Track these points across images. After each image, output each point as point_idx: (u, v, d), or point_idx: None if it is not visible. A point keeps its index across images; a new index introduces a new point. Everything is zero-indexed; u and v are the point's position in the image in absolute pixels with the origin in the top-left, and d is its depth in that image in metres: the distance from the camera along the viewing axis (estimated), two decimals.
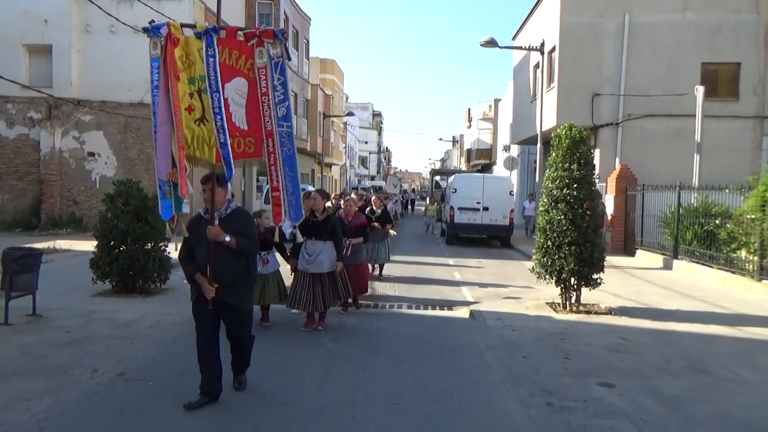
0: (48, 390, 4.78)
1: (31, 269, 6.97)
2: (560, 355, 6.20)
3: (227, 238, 4.39)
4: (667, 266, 13.39)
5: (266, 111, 4.56)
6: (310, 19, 32.73)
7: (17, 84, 15.74)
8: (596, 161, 17.67)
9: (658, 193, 14.62)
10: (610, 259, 14.17)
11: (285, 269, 7.50)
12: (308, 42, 33.00)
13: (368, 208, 11.19)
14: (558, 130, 8.81)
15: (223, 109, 4.42)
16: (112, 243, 8.52)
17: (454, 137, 70.63)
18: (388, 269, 11.64)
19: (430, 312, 8.51)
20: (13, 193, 18.75)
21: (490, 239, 20.03)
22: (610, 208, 16.74)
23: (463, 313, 8.47)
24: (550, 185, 8.52)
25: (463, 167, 52.29)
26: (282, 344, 6.45)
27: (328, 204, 8.99)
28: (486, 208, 18.66)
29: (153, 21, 4.56)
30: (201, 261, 4.48)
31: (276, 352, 6.06)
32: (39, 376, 5.08)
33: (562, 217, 8.27)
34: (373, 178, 70.79)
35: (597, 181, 8.97)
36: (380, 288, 10.20)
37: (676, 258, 13.26)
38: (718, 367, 5.88)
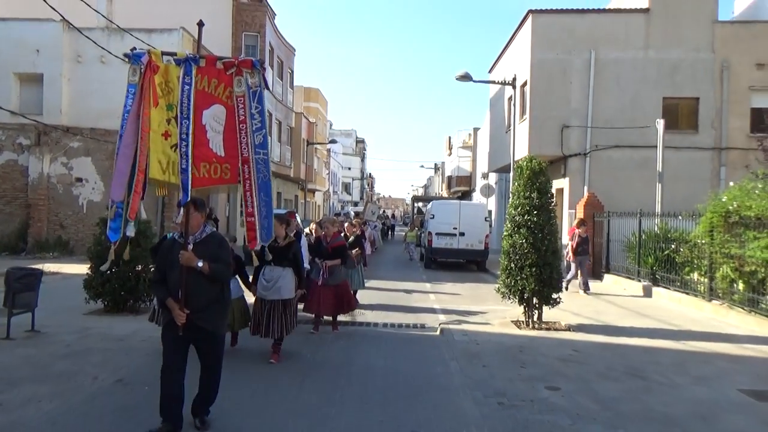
0: (55, 393, 5.35)
1: (32, 288, 7.53)
2: (516, 364, 6.90)
3: (200, 263, 4.34)
4: (630, 289, 14.21)
5: (243, 138, 4.67)
6: (294, 50, 33.74)
7: (7, 111, 16.37)
8: (566, 189, 18.87)
9: (622, 220, 15.51)
10: (575, 283, 15.08)
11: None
12: (292, 72, 33.96)
13: (341, 234, 10.95)
14: (519, 161, 9.62)
15: (190, 135, 4.45)
16: (103, 263, 9.08)
17: (435, 164, 71.94)
18: (366, 294, 11.94)
19: (403, 331, 9.14)
20: (1, 216, 19.14)
21: (467, 263, 20.76)
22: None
23: (433, 331, 9.12)
24: (513, 212, 9.31)
25: (444, 194, 53.33)
26: (251, 369, 7.02)
27: (307, 230, 9.52)
28: (462, 234, 19.46)
29: (135, 48, 4.75)
30: (173, 285, 4.42)
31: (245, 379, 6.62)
32: (46, 382, 5.65)
33: (524, 241, 9.03)
34: (356, 204, 71.63)
35: (555, 208, 9.71)
36: (358, 310, 10.81)
37: (638, 281, 14.09)
38: (654, 374, 6.62)
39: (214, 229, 4.74)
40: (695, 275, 11.75)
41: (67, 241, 18.97)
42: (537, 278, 8.94)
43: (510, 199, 9.67)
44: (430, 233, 19.85)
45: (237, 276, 6.98)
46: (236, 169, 4.73)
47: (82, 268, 10.17)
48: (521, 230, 9.12)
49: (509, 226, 9.37)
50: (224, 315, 4.74)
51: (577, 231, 13.86)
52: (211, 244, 4.54)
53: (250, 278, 7.14)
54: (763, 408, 5.55)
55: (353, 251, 10.72)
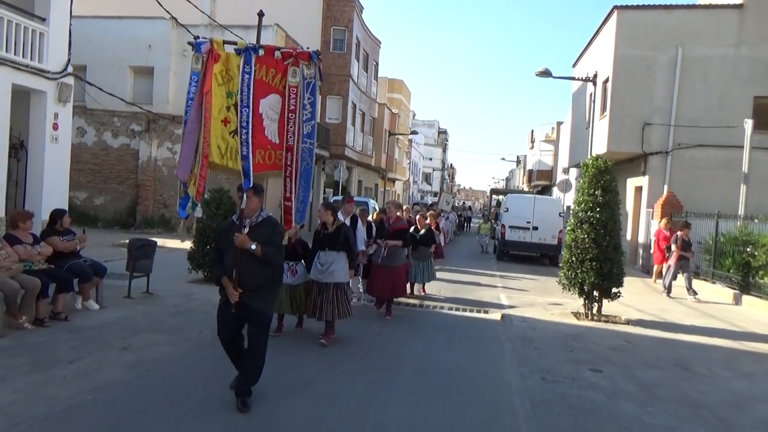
0: (170, 341, 6.54)
1: (148, 256, 8.88)
2: (566, 349, 7.46)
3: (253, 246, 4.50)
4: (705, 291, 14.07)
5: (291, 127, 4.85)
6: (380, 42, 34.73)
7: (123, 100, 18.40)
8: (645, 187, 18.66)
9: (700, 221, 15.32)
10: (649, 281, 15.11)
11: None
12: (377, 64, 34.99)
13: (413, 227, 10.65)
14: (585, 160, 10.00)
15: (250, 123, 4.57)
16: (205, 240, 10.38)
17: (518, 157, 71.05)
18: (434, 283, 11.65)
19: (467, 313, 9.81)
20: (114, 195, 21.45)
21: (540, 258, 20.96)
22: (654, 232, 17.46)
23: (495, 316, 9.72)
24: (577, 208, 9.73)
25: (525, 187, 52.85)
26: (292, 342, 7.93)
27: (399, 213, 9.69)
28: (536, 228, 19.69)
29: (198, 37, 4.91)
30: (228, 265, 4.61)
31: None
32: (161, 333, 6.87)
33: (586, 236, 9.45)
34: (435, 195, 72.12)
35: (620, 205, 9.99)
36: (427, 290, 11.54)
37: (713, 283, 13.94)
38: (700, 367, 6.97)
39: (270, 214, 4.86)
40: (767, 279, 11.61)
41: (169, 219, 20.98)
42: (597, 272, 9.34)
43: (574, 196, 10.07)
44: (503, 226, 20.23)
45: (303, 261, 7.19)
46: None
47: (181, 243, 11.54)
48: (584, 226, 9.54)
49: (572, 221, 9.80)
50: (274, 296, 4.93)
51: (679, 234, 13.29)
52: (265, 228, 4.68)
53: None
54: None
55: (430, 246, 10.70)
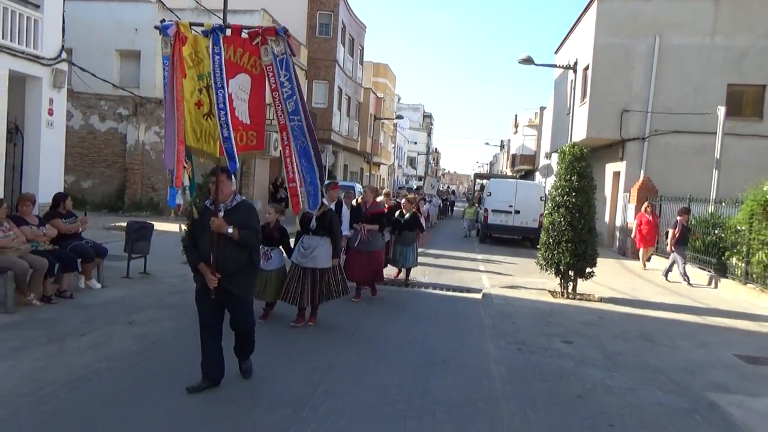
0: (170, 317, 6.98)
1: (146, 238, 9.26)
2: (542, 324, 8.03)
3: (230, 230, 4.46)
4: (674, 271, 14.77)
5: (278, 106, 4.76)
6: (365, 27, 34.88)
7: (109, 84, 18.55)
8: (622, 172, 19.31)
9: (673, 204, 15.99)
10: (624, 263, 15.79)
11: None
12: (362, 48, 35.17)
13: (398, 212, 10.68)
14: (562, 147, 10.52)
15: (227, 104, 4.50)
16: None
17: (502, 141, 71.68)
18: (420, 266, 11.84)
19: (450, 293, 10.32)
20: (102, 178, 21.61)
21: (522, 240, 21.58)
22: (630, 215, 18.15)
23: (477, 295, 10.25)
24: (554, 192, 10.27)
25: (508, 172, 53.52)
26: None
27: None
28: (518, 211, 20.29)
29: (164, 20, 4.77)
30: (205, 250, 4.56)
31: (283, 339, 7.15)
32: (162, 309, 7.30)
33: (562, 219, 10.00)
34: (420, 179, 72.58)
35: (595, 190, 10.53)
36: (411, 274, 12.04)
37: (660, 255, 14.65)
38: (663, 339, 7.59)
39: (244, 198, 4.84)
40: (734, 260, 12.29)
41: (157, 203, 21.21)
42: (572, 253, 9.91)
43: (552, 181, 10.61)
44: (486, 210, 20.82)
45: (281, 246, 7.13)
46: (263, 136, 4.89)
47: (171, 226, 11.92)
48: (560, 209, 10.08)
49: (550, 205, 10.35)
50: (253, 280, 4.94)
51: (678, 219, 13.24)
52: (241, 212, 4.65)
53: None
54: (749, 368, 6.48)
55: (414, 230, 10.60)
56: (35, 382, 4.67)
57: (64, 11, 10.98)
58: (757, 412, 5.06)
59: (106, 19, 21.43)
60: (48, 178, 10.74)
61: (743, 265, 11.75)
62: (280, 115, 4.77)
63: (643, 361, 6.48)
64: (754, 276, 11.33)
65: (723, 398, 5.36)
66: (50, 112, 10.79)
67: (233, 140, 4.52)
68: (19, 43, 9.84)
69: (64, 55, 11.00)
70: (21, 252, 6.84)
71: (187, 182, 4.95)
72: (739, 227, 11.90)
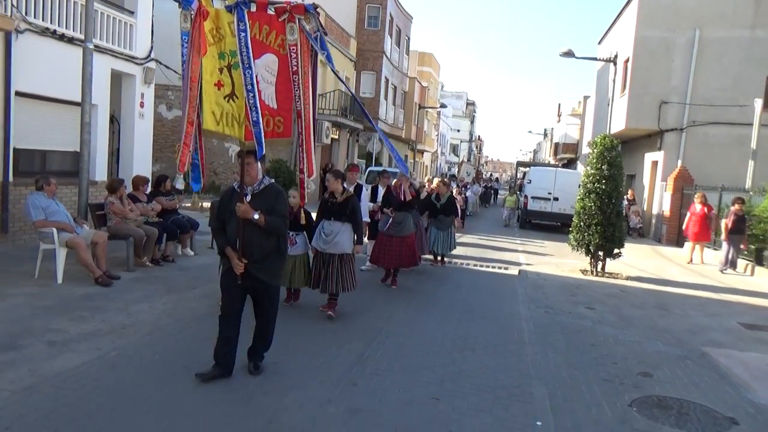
0: None
1: None
2: (569, 294, 9.19)
3: (256, 216, 4.28)
4: (706, 256, 15.54)
5: (296, 90, 4.40)
6: (411, 18, 35.91)
7: (177, 74, 20.28)
8: (660, 162, 19.97)
9: (707, 194, 16.65)
10: (658, 248, 16.62)
11: None
12: (409, 39, 36.25)
13: (434, 195, 10.92)
14: (594, 138, 11.53)
15: (255, 86, 4.23)
16: None
17: (545, 130, 71.58)
18: (459, 247, 12.35)
19: (488, 269, 11.53)
20: (169, 162, 23.49)
21: (560, 227, 22.45)
22: (666, 204, 18.87)
23: (513, 271, 11.44)
24: (586, 180, 11.32)
25: (551, 160, 53.76)
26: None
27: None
28: (556, 198, 21.22)
29: None
30: (231, 235, 4.41)
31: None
32: None
33: (593, 204, 11.06)
34: (459, 166, 73.16)
35: (623, 178, 11.50)
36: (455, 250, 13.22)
37: (714, 249, 15.39)
38: (675, 308, 8.66)
39: (272, 181, 4.64)
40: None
41: (219, 186, 23.01)
42: (601, 235, 10.97)
43: (584, 169, 11.65)
44: (526, 196, 21.83)
45: (305, 232, 6.88)
46: (290, 123, 4.51)
47: None
48: (591, 195, 11.14)
49: (582, 191, 11.40)
50: (280, 266, 4.73)
51: (732, 209, 12.98)
52: (268, 196, 4.45)
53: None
54: (746, 332, 7.51)
55: (449, 215, 10.76)
56: (170, 317, 6.18)
57: (153, 16, 12.55)
58: (740, 361, 6.15)
59: (175, 10, 23.13)
60: (140, 161, 12.41)
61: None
62: (298, 101, 4.39)
63: (653, 324, 7.60)
64: None
65: (715, 351, 6.46)
66: (141, 105, 12.42)
67: (261, 125, 4.26)
68: (118, 46, 11.43)
69: (153, 55, 12.58)
70: (137, 223, 8.43)
71: (182, 168, 4.43)
72: (763, 215, 12.65)
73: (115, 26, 11.42)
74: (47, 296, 6.55)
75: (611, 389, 5.02)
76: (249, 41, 4.24)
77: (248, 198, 4.40)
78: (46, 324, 5.55)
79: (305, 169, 4.58)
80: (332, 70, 4.97)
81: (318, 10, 4.46)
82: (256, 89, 4.25)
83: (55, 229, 7.22)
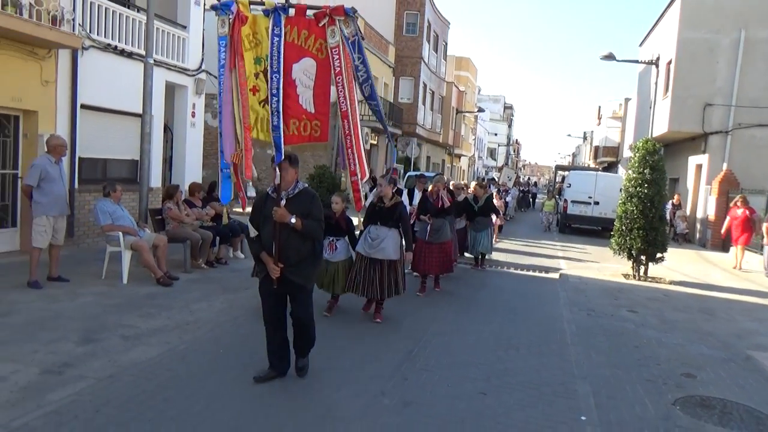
0: None
1: None
2: (611, 298, 9.26)
3: (293, 220, 4.29)
4: (752, 261, 15.25)
5: (341, 91, 4.37)
6: (449, 23, 36.12)
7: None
8: (704, 165, 19.65)
9: (753, 197, 16.34)
10: (703, 253, 16.40)
11: None
12: (446, 44, 36.45)
13: (471, 197, 11.13)
14: (636, 142, 11.53)
15: (280, 91, 4.21)
16: None
17: (585, 133, 70.58)
18: (496, 253, 12.47)
19: (529, 273, 11.64)
20: (214, 169, 24.17)
21: (601, 231, 22.26)
22: (711, 208, 18.55)
23: (554, 275, 11.52)
24: (627, 184, 11.33)
25: (591, 164, 53.02)
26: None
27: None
28: (597, 202, 21.07)
29: None
30: (267, 240, 4.41)
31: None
32: None
33: (635, 208, 11.07)
34: (499, 170, 72.75)
35: (666, 182, 11.46)
36: (494, 256, 13.39)
37: (760, 254, 15.08)
38: (721, 313, 8.64)
39: (307, 185, 4.63)
40: None
41: (261, 190, 23.65)
42: (643, 239, 10.97)
43: (626, 173, 11.66)
44: (566, 201, 21.73)
45: (347, 237, 6.86)
46: (327, 127, 4.50)
47: None
48: (633, 200, 11.15)
49: (623, 195, 11.42)
50: (315, 270, 4.76)
51: None
52: (303, 200, 4.45)
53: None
54: None
55: (489, 215, 10.99)
56: (228, 315, 6.59)
57: (204, 30, 13.14)
58: None
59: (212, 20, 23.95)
60: (191, 168, 13.00)
61: None
62: (343, 101, 4.38)
63: (698, 327, 7.64)
64: None
65: (761, 354, 6.49)
66: (193, 114, 13.02)
67: (282, 129, 4.27)
68: (172, 59, 12.02)
69: (204, 67, 13.17)
70: (193, 227, 8.91)
71: (249, 175, 4.91)
72: None
73: (169, 40, 12.01)
74: (114, 295, 7.04)
75: (654, 389, 5.16)
76: (282, 46, 4.26)
77: (283, 203, 4.39)
78: (118, 320, 6.01)
79: (357, 172, 4.62)
80: (367, 74, 4.83)
81: (356, 14, 4.49)
82: (280, 94, 4.28)
83: (120, 233, 7.73)
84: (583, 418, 4.39)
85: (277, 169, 4.39)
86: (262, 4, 4.47)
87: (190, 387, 4.42)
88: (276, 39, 4.22)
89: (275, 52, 4.22)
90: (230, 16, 4.34)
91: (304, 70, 4.42)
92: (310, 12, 4.43)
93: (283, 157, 4.34)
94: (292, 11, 4.38)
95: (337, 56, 4.37)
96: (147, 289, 7.42)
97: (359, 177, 4.66)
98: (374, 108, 4.70)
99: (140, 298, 7.01)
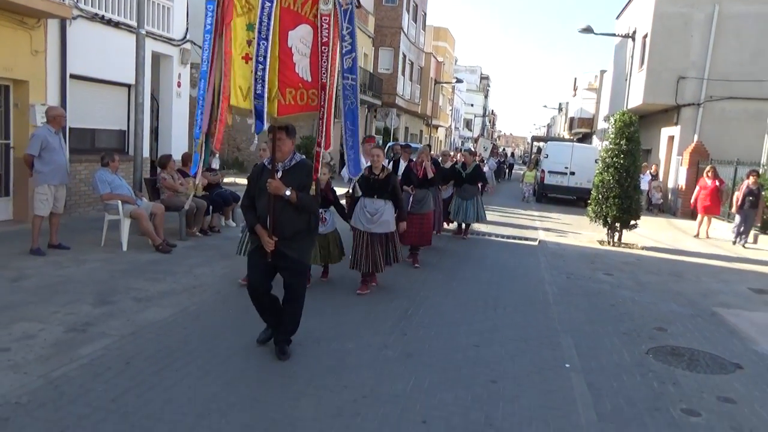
0: None
1: None
2: (588, 262, 9.81)
3: (288, 192, 4.21)
4: (721, 229, 16.02)
5: (324, 62, 4.26)
6: None
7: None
8: (677, 137, 20.31)
9: (722, 168, 17.05)
10: (673, 221, 17.10)
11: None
12: (425, 14, 36.37)
13: (460, 164, 11.31)
14: (614, 114, 12.00)
15: (267, 58, 4.10)
16: None
17: (560, 104, 71.35)
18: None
19: (510, 241, 12.11)
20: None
21: (576, 201, 22.93)
22: (682, 178, 19.28)
23: (533, 242, 12.03)
24: (604, 155, 11.82)
25: (566, 135, 53.83)
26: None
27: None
28: (573, 173, 21.67)
29: None
30: (262, 212, 4.35)
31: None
32: None
33: (611, 178, 11.59)
34: (475, 140, 73.23)
35: (641, 152, 11.98)
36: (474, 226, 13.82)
37: (729, 222, 15.85)
38: (689, 275, 9.25)
39: (303, 157, 4.56)
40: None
41: (242, 161, 23.70)
42: (619, 207, 11.52)
43: (603, 144, 12.14)
44: (543, 171, 22.29)
45: (334, 207, 6.89)
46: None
47: None
48: (610, 170, 11.65)
49: (600, 165, 11.92)
50: (311, 244, 4.71)
51: (746, 182, 12.93)
52: (299, 173, 4.37)
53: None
54: (755, 296, 8.11)
55: (473, 185, 11.07)
56: (229, 278, 6.91)
57: None
58: (748, 319, 6.75)
59: None
60: (178, 139, 13.09)
61: None
62: (324, 73, 4.25)
63: (668, 288, 8.22)
64: None
65: (724, 311, 7.07)
66: (179, 85, 13.05)
67: (265, 98, 4.15)
68: (157, 29, 12.01)
69: (189, 36, 13.16)
70: (187, 196, 9.12)
71: (218, 146, 4.48)
72: None
73: (154, 10, 11.98)
74: (118, 261, 7.29)
75: (629, 340, 5.67)
76: (273, 11, 4.12)
77: (279, 174, 4.30)
78: (127, 284, 6.29)
79: (322, 142, 4.38)
80: (351, 46, 4.52)
81: None
82: (267, 62, 4.13)
83: (120, 201, 7.93)
84: (567, 365, 4.87)
85: (270, 140, 4.30)
86: None
87: (209, 342, 4.77)
88: (268, 3, 4.07)
89: (264, 18, 4.08)
90: None
91: (301, 38, 4.26)
92: None
93: (265, 126, 4.22)
94: None
95: (327, 25, 4.20)
96: (147, 256, 7.68)
97: (323, 147, 4.39)
98: (350, 83, 4.48)
99: (143, 263, 7.27)
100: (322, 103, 4.32)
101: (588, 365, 4.91)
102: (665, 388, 4.53)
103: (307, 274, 4.69)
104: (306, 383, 4.16)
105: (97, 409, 3.54)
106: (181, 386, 3.95)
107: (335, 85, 4.34)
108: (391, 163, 9.49)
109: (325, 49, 4.24)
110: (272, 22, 4.12)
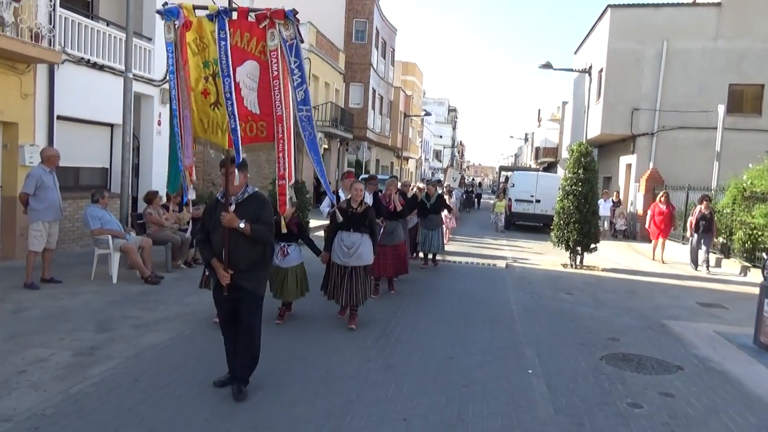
0: None
1: None
2: (551, 284, 10.52)
3: (242, 225, 4.25)
4: (676, 251, 17.00)
5: (277, 96, 4.41)
6: (396, 30, 37.36)
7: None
8: (633, 164, 21.49)
9: (675, 192, 18.17)
10: (633, 245, 18.03)
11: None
12: (394, 50, 37.68)
13: (423, 194, 11.76)
14: (571, 145, 12.91)
15: (233, 93, 4.29)
16: None
17: (526, 134, 73.53)
18: (448, 250, 13.43)
19: (478, 266, 12.78)
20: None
21: (543, 227, 23.85)
22: (639, 203, 20.36)
23: (501, 265, 12.74)
24: (564, 183, 12.68)
25: (532, 164, 55.51)
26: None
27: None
28: (538, 201, 22.66)
29: (167, 3, 4.50)
30: (217, 246, 4.39)
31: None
32: None
33: (571, 204, 12.42)
34: (445, 171, 74.68)
35: (597, 181, 12.88)
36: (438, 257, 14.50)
37: (683, 244, 16.86)
38: (643, 293, 10.02)
39: (257, 189, 4.61)
40: (720, 239, 14.53)
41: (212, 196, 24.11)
42: (579, 231, 12.33)
43: (563, 173, 13.00)
44: (510, 199, 23.25)
45: (305, 243, 6.87)
46: (272, 127, 4.53)
47: None
48: (569, 197, 12.49)
49: (561, 193, 12.77)
50: (265, 275, 4.74)
51: (699, 207, 13.39)
52: (252, 205, 4.42)
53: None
54: (701, 309, 8.89)
55: (439, 213, 11.47)
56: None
57: None
58: (693, 329, 7.47)
59: None
60: (158, 176, 13.52)
61: (723, 241, 14.00)
62: (278, 105, 4.40)
63: (623, 304, 8.95)
64: (734, 250, 13.59)
65: (672, 323, 7.79)
66: (159, 123, 13.56)
67: (239, 132, 4.32)
68: (139, 70, 12.57)
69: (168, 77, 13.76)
70: (172, 230, 9.58)
71: (193, 178, 4.91)
72: (724, 210, 14.12)
73: (137, 52, 12.53)
74: (110, 293, 7.70)
75: (585, 349, 6.32)
76: (229, 50, 4.32)
77: (233, 207, 4.34)
78: (122, 313, 6.71)
79: (286, 176, 4.50)
80: (301, 78, 4.61)
81: (298, 17, 4.44)
82: (234, 97, 4.31)
83: (110, 236, 8.36)
84: (530, 371, 5.47)
85: (228, 174, 4.36)
86: (206, 8, 4.57)
87: (207, 361, 5.24)
88: (223, 42, 4.29)
89: (223, 56, 4.29)
90: (176, 22, 4.39)
91: (248, 73, 4.45)
92: (251, 15, 4.44)
93: (241, 159, 4.41)
94: (234, 14, 4.43)
95: (275, 60, 4.37)
96: (138, 287, 8.10)
97: (287, 181, 4.54)
98: (305, 114, 4.58)
99: (134, 294, 7.69)
100: (280, 135, 4.49)
101: (548, 370, 5.52)
102: (614, 387, 5.16)
103: (261, 305, 4.67)
104: (299, 391, 4.67)
105: (116, 417, 3.99)
106: (189, 396, 4.43)
107: (291, 117, 4.52)
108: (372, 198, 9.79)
109: (276, 82, 4.43)
110: (230, 60, 4.36)
